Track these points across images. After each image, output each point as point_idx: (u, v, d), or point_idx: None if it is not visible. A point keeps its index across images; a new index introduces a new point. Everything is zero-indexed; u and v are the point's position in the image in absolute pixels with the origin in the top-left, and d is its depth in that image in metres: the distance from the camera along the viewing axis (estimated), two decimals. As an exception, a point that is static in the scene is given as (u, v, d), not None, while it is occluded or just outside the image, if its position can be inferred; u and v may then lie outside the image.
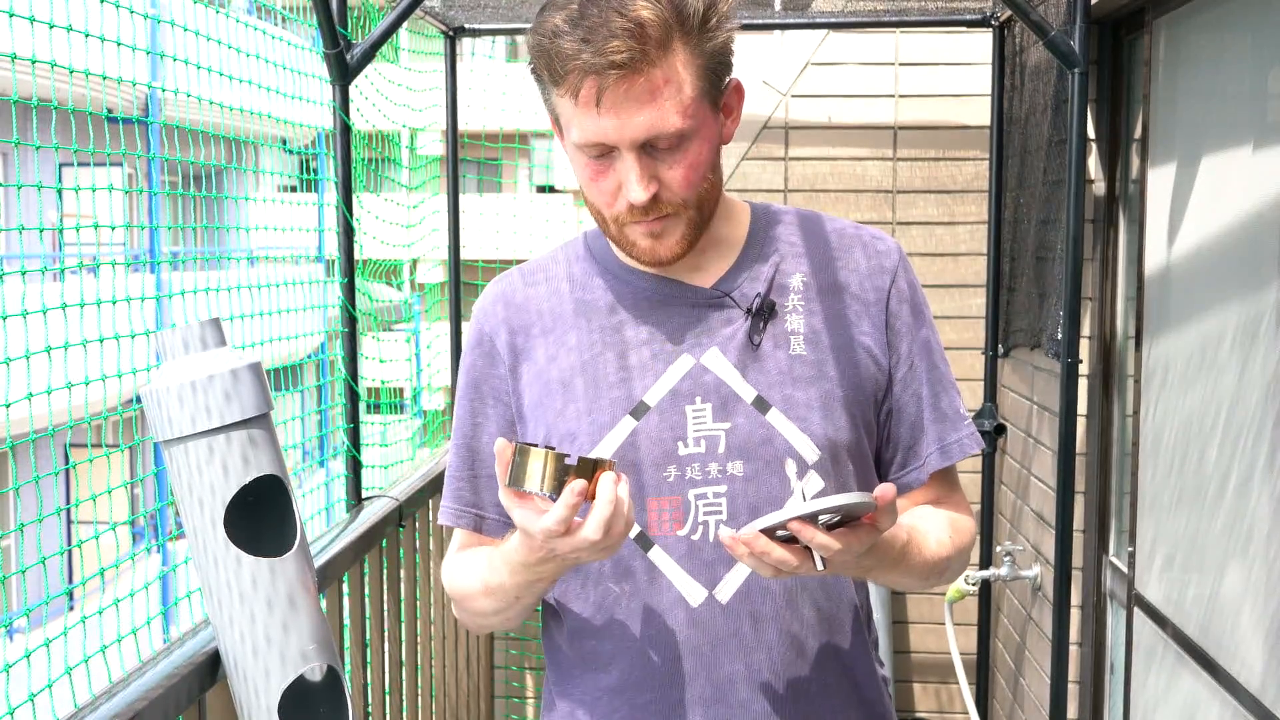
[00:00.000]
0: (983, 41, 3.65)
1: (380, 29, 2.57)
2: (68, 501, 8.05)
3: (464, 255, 3.81)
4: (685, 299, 1.38)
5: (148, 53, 3.54)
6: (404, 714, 2.62)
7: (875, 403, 1.40)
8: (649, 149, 1.26)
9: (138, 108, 9.52)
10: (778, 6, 3.64)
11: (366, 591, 2.38)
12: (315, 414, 8.15)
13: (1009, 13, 3.31)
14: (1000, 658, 3.70)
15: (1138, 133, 2.79)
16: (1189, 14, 2.47)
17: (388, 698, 2.53)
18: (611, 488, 1.16)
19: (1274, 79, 2.12)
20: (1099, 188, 2.94)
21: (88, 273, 8.90)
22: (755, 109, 3.79)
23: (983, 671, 3.80)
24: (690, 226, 1.32)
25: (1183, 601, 2.44)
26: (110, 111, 3.33)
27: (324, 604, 1.99)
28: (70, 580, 8.79)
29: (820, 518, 1.14)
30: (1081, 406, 2.88)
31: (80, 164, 8.90)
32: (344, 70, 2.53)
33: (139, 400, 1.53)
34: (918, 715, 3.93)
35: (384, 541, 2.48)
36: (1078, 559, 2.97)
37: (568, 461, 1.15)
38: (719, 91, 1.30)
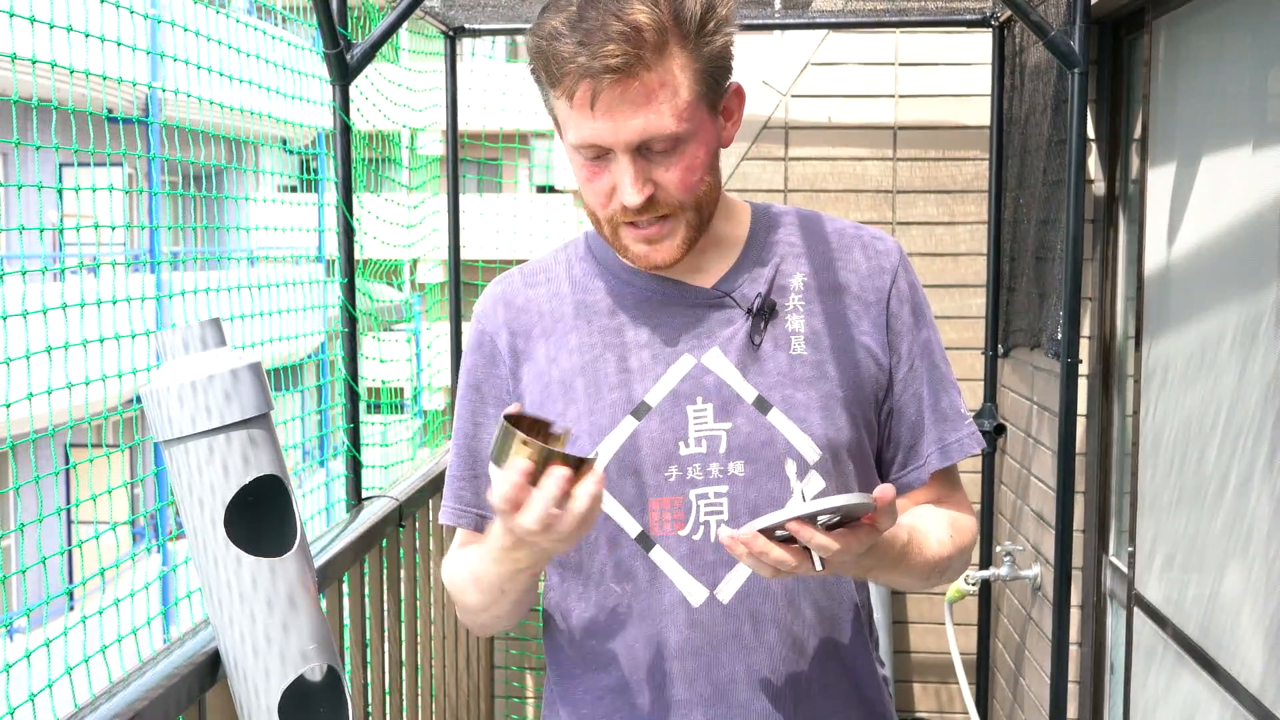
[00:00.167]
0: (983, 41, 3.66)
1: (380, 29, 2.57)
2: (68, 501, 8.05)
3: (464, 255, 3.81)
4: (686, 299, 1.38)
5: (148, 53, 3.54)
6: (404, 714, 2.62)
7: (876, 403, 1.40)
8: (644, 151, 1.26)
9: (138, 108, 9.52)
10: (777, 6, 3.64)
11: (366, 591, 2.38)
12: (315, 414, 8.15)
13: (1009, 13, 3.31)
14: (1000, 658, 3.70)
15: (1137, 133, 2.79)
16: (1189, 14, 2.47)
17: (388, 698, 2.53)
18: (559, 479, 1.13)
19: (1274, 79, 2.12)
20: (1099, 188, 2.94)
21: (88, 273, 8.90)
22: (755, 109, 3.79)
23: (983, 671, 3.80)
24: (688, 229, 1.32)
25: (1183, 601, 2.44)
26: (110, 111, 3.34)
27: (324, 604, 1.99)
28: (70, 580, 8.79)
29: (820, 518, 1.14)
30: (1081, 406, 2.88)
31: (80, 164, 8.91)
32: (344, 70, 2.54)
33: (139, 400, 1.53)
34: (918, 715, 3.93)
35: (384, 541, 2.48)
36: (1078, 559, 2.97)
37: (551, 446, 1.15)
38: (718, 95, 1.30)
